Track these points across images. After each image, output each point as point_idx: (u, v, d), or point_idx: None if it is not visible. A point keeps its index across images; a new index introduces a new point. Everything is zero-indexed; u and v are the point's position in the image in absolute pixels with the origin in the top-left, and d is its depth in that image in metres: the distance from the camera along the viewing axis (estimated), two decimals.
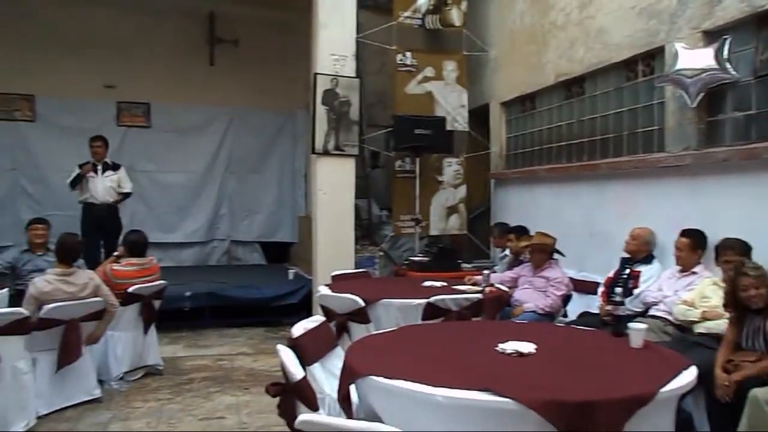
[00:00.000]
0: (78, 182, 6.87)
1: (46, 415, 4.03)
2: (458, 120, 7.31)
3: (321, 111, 6.47)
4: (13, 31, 7.90)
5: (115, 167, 7.01)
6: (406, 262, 6.68)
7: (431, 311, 4.06)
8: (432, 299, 4.10)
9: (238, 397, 4.54)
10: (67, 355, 4.13)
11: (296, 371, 2.44)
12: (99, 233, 6.78)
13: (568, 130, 6.10)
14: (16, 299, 4.82)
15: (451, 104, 7.28)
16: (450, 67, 7.30)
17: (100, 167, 6.89)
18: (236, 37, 8.86)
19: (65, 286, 4.19)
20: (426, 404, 2.19)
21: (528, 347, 2.71)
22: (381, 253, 7.35)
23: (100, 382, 4.50)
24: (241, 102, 8.94)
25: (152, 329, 5.03)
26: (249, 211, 9.20)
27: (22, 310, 3.80)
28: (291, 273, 7.43)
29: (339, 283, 4.98)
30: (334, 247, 6.51)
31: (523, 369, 2.50)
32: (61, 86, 8.14)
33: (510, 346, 2.74)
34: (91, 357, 4.43)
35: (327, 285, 4.84)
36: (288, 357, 2.54)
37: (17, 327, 3.67)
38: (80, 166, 6.87)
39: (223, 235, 9.11)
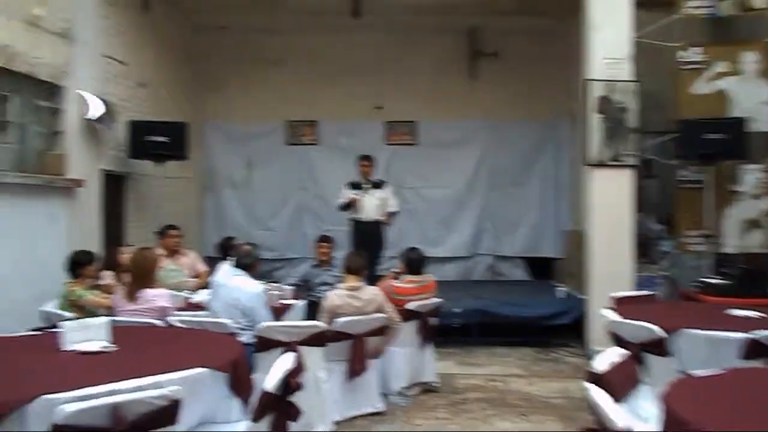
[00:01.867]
0: (347, 208, 7.34)
1: (340, 422, 4.26)
2: (760, 119, 6.26)
3: (594, 119, 6.02)
4: (298, 67, 8.84)
5: (380, 185, 7.35)
6: (699, 285, 5.88)
7: (755, 350, 3.41)
8: (761, 335, 3.44)
9: (517, 424, 4.34)
10: (355, 367, 4.33)
11: (617, 419, 2.14)
12: (365, 248, 7.15)
13: None
14: (308, 310, 5.26)
15: (752, 101, 6.28)
16: (750, 59, 6.30)
17: (368, 185, 7.26)
18: (496, 49, 8.80)
19: (353, 300, 4.41)
20: None
21: None
22: (664, 273, 6.60)
23: (382, 395, 4.65)
24: (501, 114, 8.84)
25: (429, 346, 5.08)
26: (512, 224, 9.01)
27: (320, 323, 4.07)
28: (561, 291, 7.05)
29: (625, 306, 4.50)
30: (610, 266, 5.99)
31: None
32: (338, 110, 8.87)
33: None
34: (374, 371, 4.59)
35: (611, 308, 4.40)
36: (604, 400, 2.25)
37: (317, 338, 3.92)
38: (351, 185, 7.29)
39: (486, 249, 9.05)
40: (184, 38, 8.51)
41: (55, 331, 3.36)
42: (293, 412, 2.80)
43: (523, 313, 6.56)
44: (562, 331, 6.56)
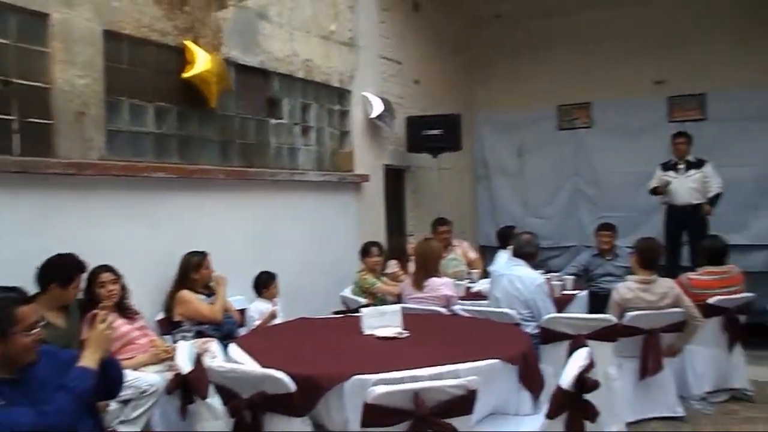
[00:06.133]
0: (657, 193, 6.76)
1: (632, 423, 3.94)
2: None
3: None
4: (568, 49, 8.44)
5: (699, 164, 6.55)
6: None
7: None
8: None
9: None
10: (648, 366, 3.97)
11: None
12: (681, 236, 6.57)
13: None
14: (589, 301, 4.98)
15: None
16: None
17: (682, 166, 6.58)
18: None
19: (645, 294, 4.03)
20: None
21: None
22: None
23: (680, 398, 4.19)
24: None
25: (737, 348, 4.44)
26: None
27: (611, 317, 3.81)
28: None
29: None
30: None
31: None
32: (613, 89, 8.26)
33: None
34: (671, 371, 4.16)
35: None
36: None
37: (607, 333, 3.68)
38: (664, 166, 6.71)
39: None
40: (452, 32, 8.72)
41: (354, 316, 3.68)
42: (591, 412, 2.63)
43: None
44: None
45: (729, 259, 4.72)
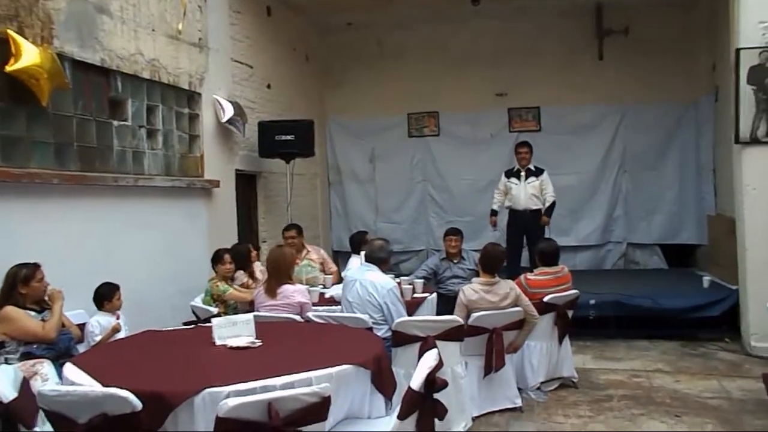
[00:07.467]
0: (492, 216, 7.24)
1: (477, 417, 4.17)
2: None
3: (746, 92, 5.48)
4: (418, 59, 8.84)
5: (538, 173, 7.07)
6: None
7: None
8: None
9: (671, 426, 4.04)
10: (492, 363, 4.22)
11: None
12: (522, 239, 7.02)
13: None
14: (438, 303, 5.21)
15: None
16: None
17: (523, 173, 7.07)
18: (626, 26, 8.28)
19: (489, 295, 4.29)
20: None
21: None
22: None
23: (519, 390, 4.51)
24: (634, 95, 8.33)
25: (566, 340, 4.88)
26: (647, 211, 8.49)
27: (458, 318, 4.00)
28: (706, 281, 6.53)
29: None
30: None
31: None
32: (460, 100, 8.76)
33: None
34: (511, 366, 4.46)
35: None
36: None
37: (454, 333, 3.87)
38: (507, 173, 7.22)
39: (618, 237, 8.60)
40: (306, 38, 8.74)
41: (206, 326, 3.55)
42: (440, 410, 2.75)
43: (665, 304, 6.12)
44: (710, 324, 6.08)
45: (560, 260, 5.12)
